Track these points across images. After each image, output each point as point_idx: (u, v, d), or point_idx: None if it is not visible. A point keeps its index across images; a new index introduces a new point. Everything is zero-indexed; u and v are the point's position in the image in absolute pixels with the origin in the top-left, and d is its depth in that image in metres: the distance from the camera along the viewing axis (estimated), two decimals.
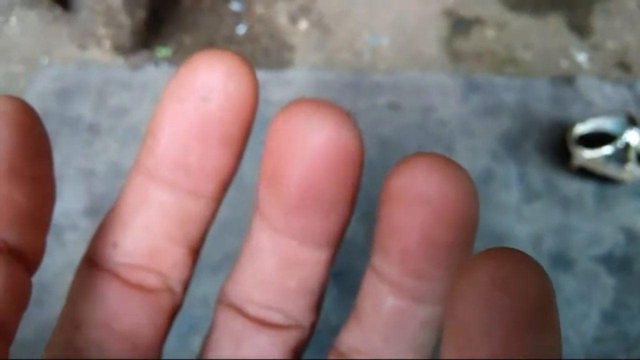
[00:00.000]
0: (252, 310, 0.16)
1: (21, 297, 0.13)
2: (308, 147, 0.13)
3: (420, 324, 0.15)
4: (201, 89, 0.13)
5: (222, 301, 0.16)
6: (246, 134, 0.14)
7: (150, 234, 0.15)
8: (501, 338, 0.10)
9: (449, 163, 0.13)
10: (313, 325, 0.16)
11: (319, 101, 0.13)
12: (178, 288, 0.15)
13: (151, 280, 0.15)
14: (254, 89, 0.14)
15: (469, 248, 0.13)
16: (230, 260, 0.16)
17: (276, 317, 0.15)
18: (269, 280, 0.15)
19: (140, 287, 0.15)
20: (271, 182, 0.14)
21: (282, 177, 0.14)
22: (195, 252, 0.15)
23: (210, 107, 0.13)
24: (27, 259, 0.13)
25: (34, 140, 0.13)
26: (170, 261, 0.15)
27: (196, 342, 0.86)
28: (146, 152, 0.14)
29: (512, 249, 0.11)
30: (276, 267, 0.15)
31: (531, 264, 0.11)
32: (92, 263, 0.15)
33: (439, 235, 0.13)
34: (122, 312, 0.15)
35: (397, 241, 0.13)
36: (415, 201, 0.13)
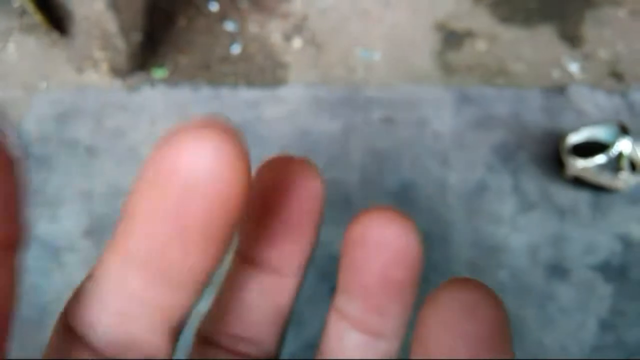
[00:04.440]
0: (224, 342, 0.17)
1: (10, 289, 0.12)
2: (177, 174, 0.12)
3: (381, 356, 0.16)
4: (184, 175, 0.11)
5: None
6: (234, 224, 0.12)
7: (126, 320, 0.14)
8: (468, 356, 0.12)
9: (401, 215, 0.15)
10: (278, 354, 0.18)
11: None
12: None
13: None
14: (246, 171, 0.12)
15: (415, 290, 0.15)
16: (222, 276, 0.17)
17: (249, 349, 0.17)
18: (246, 308, 0.17)
19: None
20: (253, 219, 0.16)
21: (265, 214, 0.16)
22: (175, 335, 0.14)
23: (194, 197, 0.12)
24: (10, 245, 0.12)
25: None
26: (147, 349, 0.14)
27: None
28: (123, 234, 0.13)
29: (472, 280, 0.13)
30: (253, 296, 0.17)
31: (489, 292, 0.13)
32: (68, 327, 0.14)
33: (395, 274, 0.15)
34: None
35: (360, 280, 0.15)
36: (375, 245, 0.15)
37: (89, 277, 0.14)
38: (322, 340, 0.17)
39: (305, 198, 0.16)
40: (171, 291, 0.13)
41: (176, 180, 0.12)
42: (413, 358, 0.13)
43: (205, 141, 0.11)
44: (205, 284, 0.14)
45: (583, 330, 0.88)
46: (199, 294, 0.14)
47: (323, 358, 0.17)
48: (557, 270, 0.92)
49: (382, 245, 0.15)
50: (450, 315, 0.12)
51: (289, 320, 0.18)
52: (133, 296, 0.13)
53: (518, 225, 0.95)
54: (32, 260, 0.91)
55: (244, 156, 0.12)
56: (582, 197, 0.97)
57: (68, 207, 0.95)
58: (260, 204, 0.16)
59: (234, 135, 0.12)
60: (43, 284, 0.89)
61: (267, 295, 0.17)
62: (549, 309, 0.89)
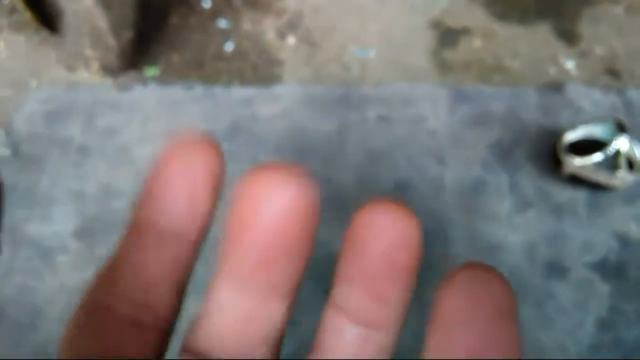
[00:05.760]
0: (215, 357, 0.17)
1: None
2: (271, 211, 0.15)
3: (377, 350, 0.16)
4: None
5: (187, 349, 0.17)
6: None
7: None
8: (482, 325, 0.13)
9: (402, 205, 0.16)
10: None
11: (279, 167, 0.15)
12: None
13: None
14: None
15: (415, 275, 0.16)
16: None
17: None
18: (231, 331, 0.17)
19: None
20: (237, 242, 0.16)
21: (249, 237, 0.16)
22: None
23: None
24: None
25: None
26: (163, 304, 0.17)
27: None
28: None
29: (483, 263, 0.14)
30: (239, 321, 0.17)
31: (501, 275, 0.14)
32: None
33: (398, 258, 0.15)
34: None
35: (362, 265, 0.15)
36: (377, 230, 0.15)
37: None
38: (317, 337, 0.17)
39: (297, 219, 0.16)
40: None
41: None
42: (428, 336, 0.15)
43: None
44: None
45: (581, 329, 0.87)
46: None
47: (319, 358, 0.17)
48: (555, 269, 0.91)
49: (384, 229, 0.15)
50: (468, 285, 0.13)
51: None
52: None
53: (515, 224, 0.95)
54: (23, 261, 0.90)
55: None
56: (580, 195, 0.97)
57: (59, 208, 0.94)
58: (235, 223, 0.16)
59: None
60: (34, 285, 0.88)
61: (251, 321, 0.17)
62: (547, 307, 0.89)
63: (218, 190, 0.16)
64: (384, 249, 0.15)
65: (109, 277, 0.16)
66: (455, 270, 0.14)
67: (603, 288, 0.90)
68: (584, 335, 0.87)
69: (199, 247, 0.17)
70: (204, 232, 0.16)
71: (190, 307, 0.18)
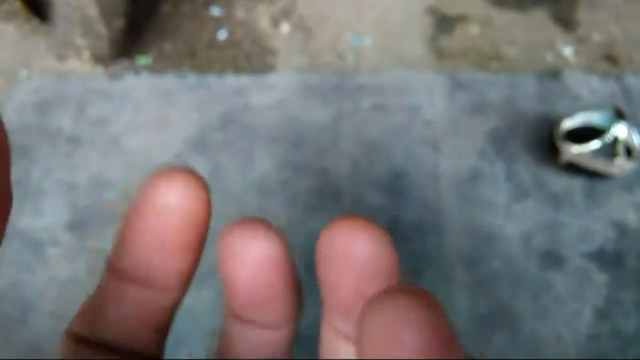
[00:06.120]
0: None
1: None
2: (250, 260, 0.16)
3: None
4: (160, 204, 0.15)
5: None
6: (199, 238, 0.16)
7: (123, 323, 0.17)
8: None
9: (369, 226, 0.14)
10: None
11: (254, 221, 0.16)
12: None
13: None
14: (207, 203, 0.16)
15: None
16: (216, 273, 0.18)
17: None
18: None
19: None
20: (228, 286, 0.17)
21: (236, 282, 0.17)
22: (163, 333, 0.18)
23: (167, 219, 0.16)
24: None
25: None
26: (138, 347, 0.17)
27: (182, 356, 0.85)
28: (116, 252, 0.17)
29: (411, 287, 0.12)
30: (248, 350, 0.18)
31: (427, 298, 0.12)
32: (76, 336, 0.17)
33: (368, 290, 0.14)
34: None
35: (337, 298, 0.15)
36: (344, 262, 0.15)
37: (94, 292, 0.17)
38: (318, 351, 0.17)
39: (275, 265, 0.17)
40: (156, 293, 0.17)
41: (155, 209, 0.16)
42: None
43: (176, 182, 0.16)
44: (184, 286, 0.17)
45: (578, 319, 0.87)
46: (181, 294, 0.17)
47: None
48: (552, 259, 0.90)
49: (351, 261, 0.14)
50: (384, 322, 0.12)
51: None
52: (128, 302, 0.17)
53: (512, 213, 0.94)
54: (13, 254, 0.89)
55: (205, 192, 0.16)
56: (577, 184, 0.96)
57: (50, 200, 0.92)
58: (231, 271, 0.17)
59: (196, 176, 0.16)
60: (25, 278, 0.87)
61: (260, 349, 0.18)
62: (544, 298, 0.88)
63: (202, 235, 0.16)
64: (354, 282, 0.15)
65: (92, 317, 0.17)
66: (376, 297, 0.13)
67: (600, 278, 0.89)
68: (581, 326, 0.86)
69: (180, 293, 0.17)
70: (184, 282, 0.17)
71: (184, 301, 0.19)
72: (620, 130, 0.92)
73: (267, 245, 0.16)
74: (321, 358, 0.17)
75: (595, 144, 0.92)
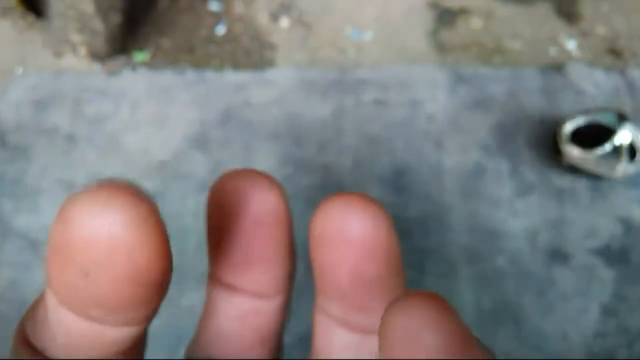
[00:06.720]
0: None
1: None
2: (247, 215, 0.14)
3: (368, 353, 0.15)
4: (82, 254, 0.12)
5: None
6: (145, 278, 0.12)
7: (71, 351, 0.14)
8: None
9: (365, 201, 0.13)
10: None
11: (257, 174, 0.15)
12: None
13: None
14: (148, 230, 0.12)
15: (399, 278, 0.14)
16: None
17: None
18: (227, 335, 0.16)
19: None
20: (219, 246, 0.15)
21: (227, 242, 0.15)
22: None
23: (103, 261, 0.12)
24: None
25: None
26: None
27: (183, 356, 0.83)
28: (48, 275, 0.13)
29: (427, 292, 0.12)
30: (232, 322, 0.16)
31: (443, 304, 0.11)
32: (27, 340, 0.14)
33: (366, 271, 0.14)
34: None
35: (332, 281, 0.14)
36: (338, 242, 0.13)
37: (41, 299, 0.14)
38: (312, 340, 0.16)
39: (264, 216, 0.15)
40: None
41: (76, 253, 0.11)
42: None
43: (105, 210, 0.11)
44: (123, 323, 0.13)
45: (584, 316, 0.86)
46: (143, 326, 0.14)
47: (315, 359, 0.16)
48: (557, 255, 0.89)
49: (347, 240, 0.13)
50: (406, 325, 0.11)
51: (281, 338, 0.17)
52: (71, 331, 0.13)
53: (516, 209, 0.92)
54: (10, 254, 0.87)
55: (158, 219, 0.11)
56: (582, 180, 0.94)
57: (48, 198, 0.91)
58: (216, 225, 0.15)
59: (139, 198, 0.11)
60: (23, 278, 0.86)
61: (245, 320, 0.16)
62: (549, 294, 0.87)
63: (160, 282, 0.12)
64: (350, 264, 0.13)
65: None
66: (395, 302, 0.12)
67: (606, 274, 0.88)
68: (588, 323, 0.85)
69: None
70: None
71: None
72: (624, 136, 0.90)
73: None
74: (315, 347, 0.16)
75: (599, 150, 0.91)
